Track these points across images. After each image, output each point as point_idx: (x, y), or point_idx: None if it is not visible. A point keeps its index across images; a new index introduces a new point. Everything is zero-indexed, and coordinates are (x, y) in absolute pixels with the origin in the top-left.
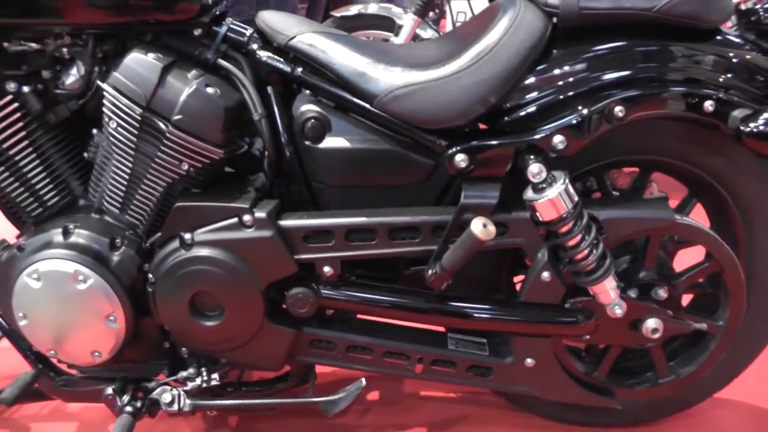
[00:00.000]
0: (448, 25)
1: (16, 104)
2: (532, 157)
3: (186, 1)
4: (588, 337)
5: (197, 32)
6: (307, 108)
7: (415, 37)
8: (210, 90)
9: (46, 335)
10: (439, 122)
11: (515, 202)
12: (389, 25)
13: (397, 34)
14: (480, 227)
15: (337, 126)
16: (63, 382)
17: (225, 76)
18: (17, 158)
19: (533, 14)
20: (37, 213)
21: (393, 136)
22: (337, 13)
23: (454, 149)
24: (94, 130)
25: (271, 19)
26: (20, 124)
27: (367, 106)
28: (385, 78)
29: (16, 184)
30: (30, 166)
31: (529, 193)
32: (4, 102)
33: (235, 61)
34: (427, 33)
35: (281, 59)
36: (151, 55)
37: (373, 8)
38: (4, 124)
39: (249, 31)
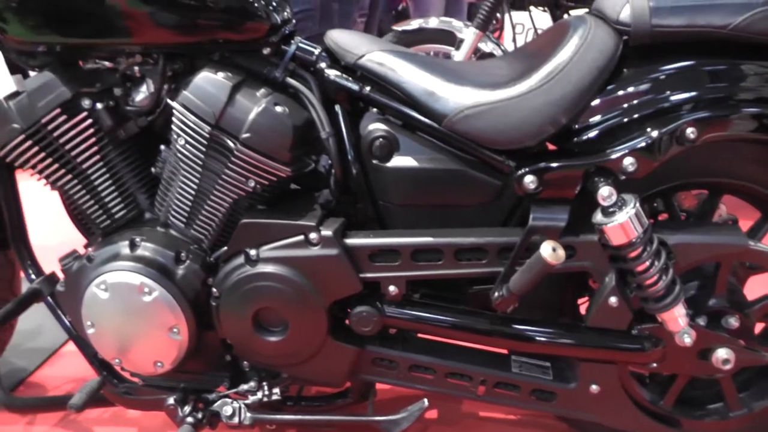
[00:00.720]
0: (506, 38)
1: (89, 120)
2: (601, 179)
3: (255, 20)
4: (655, 365)
5: (266, 51)
6: (375, 127)
7: (476, 51)
8: (279, 108)
9: (111, 344)
10: (509, 143)
11: (583, 224)
12: (450, 39)
13: (458, 48)
14: (549, 251)
15: (404, 145)
16: (125, 390)
17: (293, 94)
18: (89, 171)
19: (604, 32)
20: (106, 224)
21: (461, 156)
22: (398, 27)
23: (522, 170)
24: (162, 146)
25: (339, 37)
26: (93, 140)
27: (436, 125)
28: (455, 97)
29: (87, 196)
30: (100, 180)
31: (598, 217)
32: (79, 118)
33: (303, 80)
34: (488, 46)
35: (349, 78)
36: (220, 74)
37: (433, 22)
38: (78, 139)
39: (317, 50)
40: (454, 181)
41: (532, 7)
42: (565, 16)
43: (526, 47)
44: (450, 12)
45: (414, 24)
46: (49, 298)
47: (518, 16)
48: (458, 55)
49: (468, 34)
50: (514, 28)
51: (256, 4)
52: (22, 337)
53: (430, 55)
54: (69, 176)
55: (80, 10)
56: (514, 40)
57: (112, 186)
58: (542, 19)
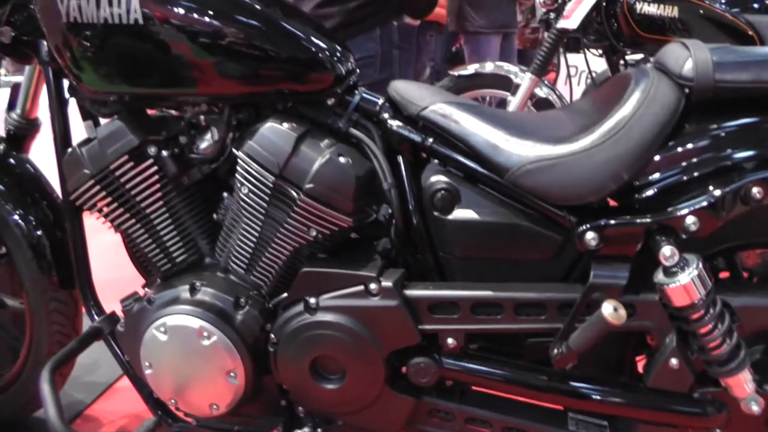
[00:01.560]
0: (559, 81)
1: (155, 167)
2: (663, 238)
3: (321, 72)
4: (718, 431)
5: (330, 101)
6: (437, 179)
7: (532, 96)
8: (342, 159)
9: (168, 384)
10: (571, 199)
11: (644, 283)
12: (506, 84)
13: (514, 94)
14: (611, 311)
15: (466, 197)
16: (179, 429)
17: (356, 144)
18: (152, 216)
19: (667, 87)
20: (166, 268)
21: (523, 210)
22: (454, 72)
23: (584, 226)
24: (225, 194)
25: (403, 88)
26: (157, 186)
27: (498, 178)
28: (517, 151)
29: (149, 239)
30: (163, 224)
31: (660, 276)
32: (145, 165)
33: (366, 130)
34: (543, 91)
35: (412, 129)
36: (285, 125)
37: (489, 67)
38: (143, 185)
39: (380, 101)
40: (515, 236)
41: (587, 50)
42: (621, 61)
43: (588, 99)
44: (503, 56)
45: (470, 69)
46: (108, 336)
47: (573, 57)
48: (514, 100)
49: (524, 79)
50: (568, 69)
51: (321, 56)
52: (79, 370)
53: (486, 100)
54: (133, 220)
55: (149, 61)
56: (569, 84)
57: (174, 231)
58: (597, 62)
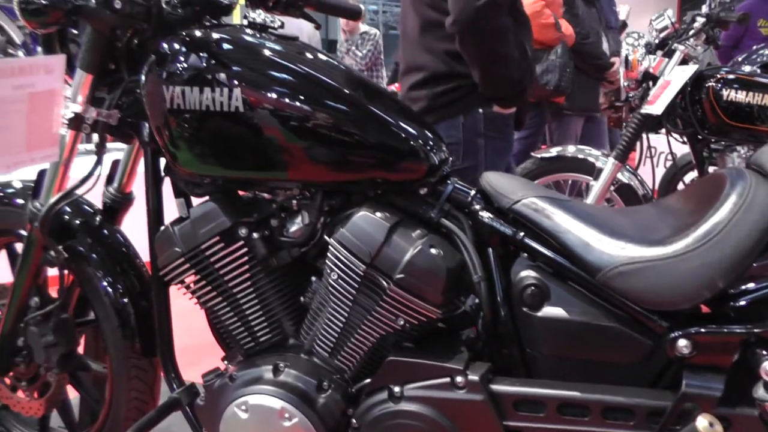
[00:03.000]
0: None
1: (245, 249)
2: (763, 351)
3: (414, 161)
4: None
5: (423, 191)
6: (526, 274)
7: (615, 181)
8: (433, 251)
9: None
10: (664, 304)
11: (741, 396)
12: (588, 168)
13: (596, 178)
14: (706, 425)
15: (556, 295)
16: None
17: (446, 234)
18: (239, 296)
19: (765, 191)
20: (249, 346)
21: (613, 312)
22: (536, 154)
23: (676, 333)
24: (313, 278)
25: (495, 180)
26: (246, 267)
27: (589, 277)
28: (609, 252)
29: (235, 318)
30: (249, 304)
31: (760, 392)
32: (235, 246)
33: (457, 221)
34: (625, 176)
35: (503, 222)
36: (378, 214)
37: (571, 150)
38: (232, 265)
39: (472, 192)
40: (605, 337)
41: (671, 135)
42: (705, 148)
43: (680, 197)
44: (590, 139)
45: (553, 151)
46: (187, 407)
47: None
48: (596, 185)
49: (608, 164)
50: (650, 151)
51: (415, 145)
52: None
53: (567, 183)
54: (220, 298)
55: (244, 146)
56: (651, 166)
57: (260, 311)
58: (679, 145)
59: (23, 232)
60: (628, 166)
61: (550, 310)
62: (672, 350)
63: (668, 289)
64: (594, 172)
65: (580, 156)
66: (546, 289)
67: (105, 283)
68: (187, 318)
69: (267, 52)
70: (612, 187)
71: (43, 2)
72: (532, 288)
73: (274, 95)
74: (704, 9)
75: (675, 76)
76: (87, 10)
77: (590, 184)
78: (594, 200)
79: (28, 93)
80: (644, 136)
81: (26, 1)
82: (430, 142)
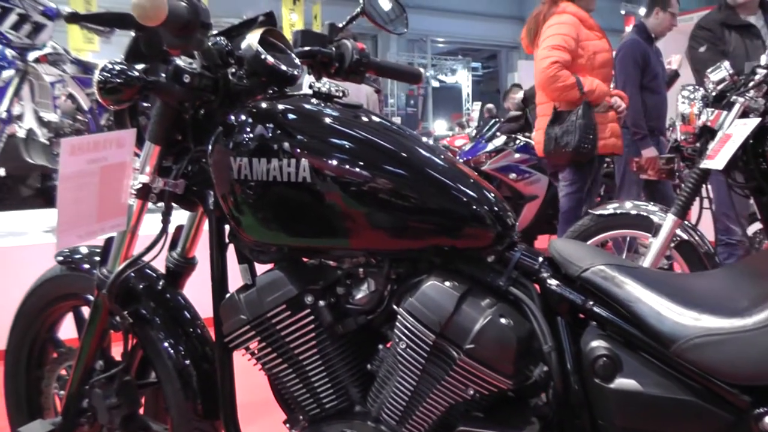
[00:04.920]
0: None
1: (311, 317)
2: None
3: (481, 228)
4: None
5: (490, 258)
6: (597, 344)
7: (674, 238)
8: (503, 321)
9: None
10: (745, 379)
11: None
12: (647, 224)
13: (655, 235)
14: None
15: (628, 366)
16: None
17: (514, 302)
18: (304, 363)
19: None
20: (315, 412)
21: (689, 384)
22: (594, 211)
23: (762, 409)
24: (380, 345)
25: (563, 247)
26: (312, 334)
27: (662, 349)
28: (683, 323)
29: (300, 384)
30: (315, 371)
31: None
32: (302, 314)
33: (525, 289)
34: (685, 233)
35: (572, 290)
36: (447, 284)
37: (629, 206)
38: (298, 333)
39: (540, 259)
40: (681, 411)
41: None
42: None
43: (753, 262)
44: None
45: (610, 207)
46: None
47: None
48: (655, 242)
49: (667, 221)
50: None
51: (479, 211)
52: None
53: (626, 240)
54: (285, 365)
55: (309, 215)
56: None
57: (326, 378)
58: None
59: (90, 297)
60: (687, 222)
61: (622, 382)
62: (757, 427)
63: (750, 363)
64: (653, 228)
65: (639, 212)
66: (618, 360)
67: (167, 346)
68: (243, 375)
69: (333, 123)
70: (671, 244)
71: (118, 81)
72: (604, 359)
73: (341, 166)
74: (764, 60)
75: (735, 130)
76: (158, 86)
77: (649, 241)
78: (653, 258)
79: (101, 166)
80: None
81: (103, 81)
82: (495, 208)
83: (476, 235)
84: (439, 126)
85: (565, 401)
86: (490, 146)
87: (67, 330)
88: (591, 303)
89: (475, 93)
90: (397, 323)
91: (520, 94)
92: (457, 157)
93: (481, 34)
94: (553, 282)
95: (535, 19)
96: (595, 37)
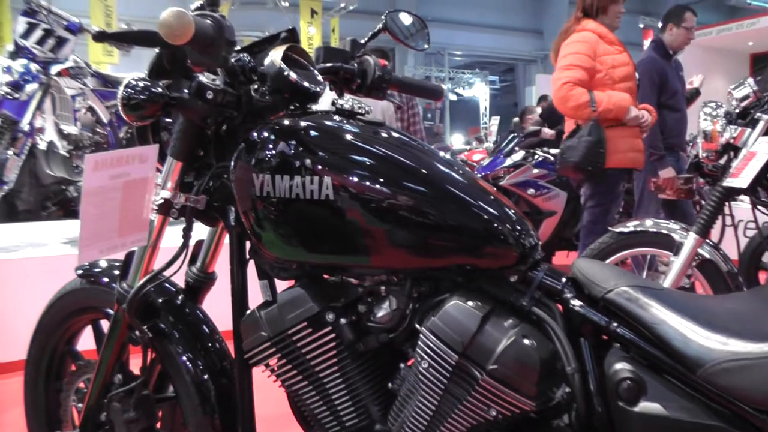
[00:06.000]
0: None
1: (332, 334)
2: None
3: (504, 247)
4: None
5: (513, 278)
6: (621, 366)
7: (696, 257)
8: (527, 341)
9: None
10: None
11: None
12: (668, 243)
13: (677, 254)
14: None
15: (653, 389)
16: None
17: (537, 323)
18: (325, 380)
19: None
20: (335, 430)
21: (716, 409)
22: (614, 229)
23: None
24: (402, 364)
25: (586, 268)
26: (333, 352)
27: (688, 373)
28: (710, 346)
29: (320, 401)
30: (335, 389)
31: None
32: (323, 332)
33: (548, 309)
34: (707, 252)
35: (595, 311)
36: (470, 303)
37: (649, 224)
38: (319, 350)
39: (563, 279)
40: None
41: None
42: None
43: None
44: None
45: (630, 225)
46: None
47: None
48: (677, 261)
49: (689, 239)
50: (724, 219)
51: (501, 229)
52: None
53: (646, 258)
54: (305, 382)
55: (332, 233)
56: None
57: (346, 396)
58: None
59: (109, 310)
60: (709, 240)
61: (647, 406)
62: None
63: None
64: (674, 247)
65: (659, 230)
66: (642, 383)
67: (186, 360)
68: (261, 390)
69: (355, 140)
70: (693, 263)
71: (142, 97)
72: (628, 381)
73: (363, 183)
74: None
75: (760, 148)
76: (181, 102)
77: (670, 259)
78: (674, 277)
79: (123, 182)
80: (729, 208)
81: (127, 98)
82: (518, 227)
83: (499, 255)
84: (457, 140)
85: (588, 424)
86: (509, 161)
87: (86, 343)
88: (615, 324)
89: (492, 106)
90: (419, 342)
91: (536, 114)
92: (476, 172)
93: (498, 47)
94: (576, 303)
95: (561, 35)
96: (614, 51)
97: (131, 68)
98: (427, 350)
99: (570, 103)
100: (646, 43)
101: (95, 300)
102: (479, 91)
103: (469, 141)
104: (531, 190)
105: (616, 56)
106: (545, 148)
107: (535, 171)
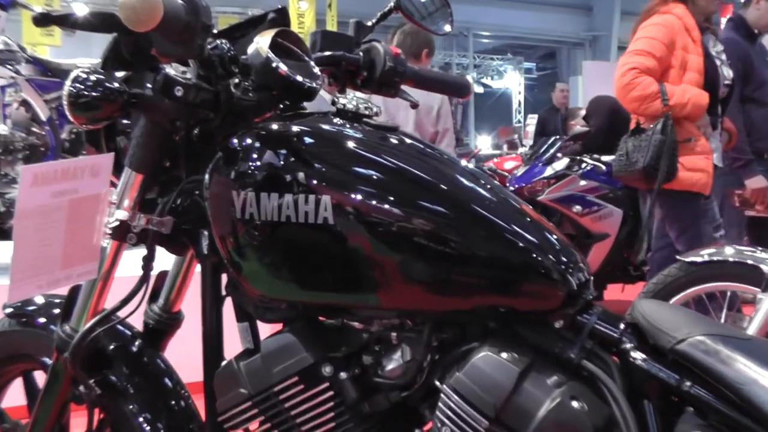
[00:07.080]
0: None
1: (330, 392)
2: None
3: (546, 285)
4: None
5: (558, 324)
6: None
7: None
8: (576, 404)
9: None
10: None
11: None
12: (753, 276)
13: (765, 290)
14: None
15: None
16: None
17: (588, 380)
18: None
19: None
20: None
21: None
22: (684, 258)
23: None
24: (417, 430)
25: (651, 310)
26: (331, 414)
27: None
28: None
29: None
30: None
31: None
32: (318, 389)
33: (603, 363)
34: None
35: (663, 366)
36: (504, 356)
37: (728, 252)
38: (314, 412)
39: (622, 325)
40: None
41: None
42: None
43: None
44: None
45: (704, 254)
46: None
47: None
48: (766, 300)
49: None
50: None
51: (548, 264)
52: None
53: (725, 296)
54: None
55: (331, 266)
56: None
57: None
58: None
59: (46, 360)
60: None
61: None
62: None
63: None
64: (763, 282)
65: (743, 260)
66: None
67: (143, 422)
68: None
69: (361, 149)
70: None
71: (95, 94)
72: None
73: (370, 203)
74: None
75: None
76: (144, 101)
77: (758, 297)
78: (763, 320)
79: (69, 200)
80: None
81: (76, 94)
82: (564, 258)
83: (540, 294)
84: (483, 143)
85: None
86: (549, 171)
87: (15, 398)
88: (688, 383)
89: (528, 101)
90: (440, 404)
91: (580, 116)
92: (507, 184)
93: (536, 28)
94: (638, 355)
95: (642, 15)
96: (694, 51)
97: (77, 51)
98: (450, 414)
99: (634, 92)
100: (723, 22)
101: (28, 346)
102: (511, 81)
103: (499, 144)
104: (577, 207)
105: (693, 56)
106: (595, 155)
107: (583, 183)
